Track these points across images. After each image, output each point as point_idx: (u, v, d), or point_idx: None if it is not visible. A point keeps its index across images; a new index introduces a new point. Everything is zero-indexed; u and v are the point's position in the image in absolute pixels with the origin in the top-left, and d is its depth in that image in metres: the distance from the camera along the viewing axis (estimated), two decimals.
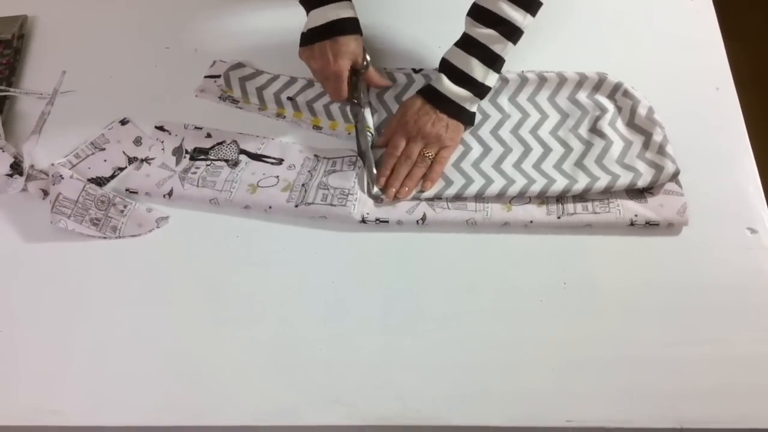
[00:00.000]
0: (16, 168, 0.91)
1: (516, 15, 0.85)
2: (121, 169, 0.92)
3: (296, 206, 0.87)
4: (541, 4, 0.86)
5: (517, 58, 0.99)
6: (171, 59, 1.03)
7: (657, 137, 0.88)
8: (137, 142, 0.95)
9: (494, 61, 0.87)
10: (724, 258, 0.83)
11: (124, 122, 0.97)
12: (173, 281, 0.85)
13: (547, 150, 0.91)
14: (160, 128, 0.96)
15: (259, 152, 0.93)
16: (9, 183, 0.90)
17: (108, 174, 0.92)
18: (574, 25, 1.03)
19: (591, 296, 0.82)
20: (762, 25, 2.06)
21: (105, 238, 0.87)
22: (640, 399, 0.76)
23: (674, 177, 0.86)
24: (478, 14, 0.86)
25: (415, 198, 0.88)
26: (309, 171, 0.90)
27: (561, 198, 0.87)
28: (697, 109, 0.94)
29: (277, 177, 0.90)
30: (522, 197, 0.87)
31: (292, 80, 0.99)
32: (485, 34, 0.86)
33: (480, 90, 0.89)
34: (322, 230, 0.88)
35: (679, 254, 0.84)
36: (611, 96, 0.94)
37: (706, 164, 0.89)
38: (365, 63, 0.94)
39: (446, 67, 0.89)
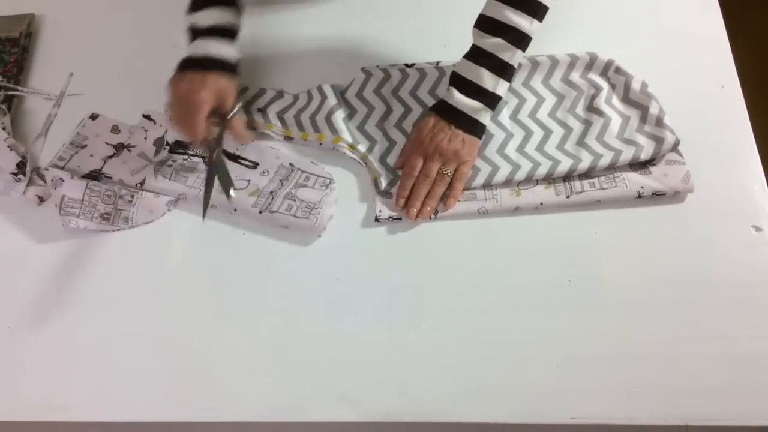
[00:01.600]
0: (21, 168, 0.91)
1: (522, 22, 0.84)
2: (110, 157, 0.93)
3: (260, 212, 0.87)
4: (547, 8, 0.86)
5: None
6: (178, 57, 1.03)
7: (653, 110, 0.90)
8: (115, 130, 0.96)
9: (503, 70, 0.86)
10: (728, 255, 0.83)
11: (93, 117, 0.97)
12: (179, 277, 0.86)
13: (547, 132, 0.91)
14: (147, 117, 0.96)
15: (236, 153, 0.93)
16: (12, 186, 0.91)
17: (100, 166, 0.92)
18: (579, 22, 1.03)
19: (595, 293, 0.82)
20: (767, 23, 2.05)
21: (119, 230, 0.88)
22: (645, 396, 0.76)
23: (675, 147, 0.87)
24: (485, 24, 0.86)
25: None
26: (281, 180, 0.90)
27: (567, 177, 0.88)
28: (702, 106, 0.94)
29: (248, 181, 0.90)
30: (529, 181, 0.88)
31: (261, 91, 0.99)
32: (492, 43, 0.85)
33: (491, 100, 0.88)
34: (330, 225, 0.88)
35: (685, 251, 0.84)
36: (604, 74, 0.95)
37: (711, 162, 0.89)
38: (233, 110, 0.89)
39: (456, 79, 0.88)
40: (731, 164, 0.90)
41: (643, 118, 0.90)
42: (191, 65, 0.88)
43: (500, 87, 0.87)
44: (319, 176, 0.91)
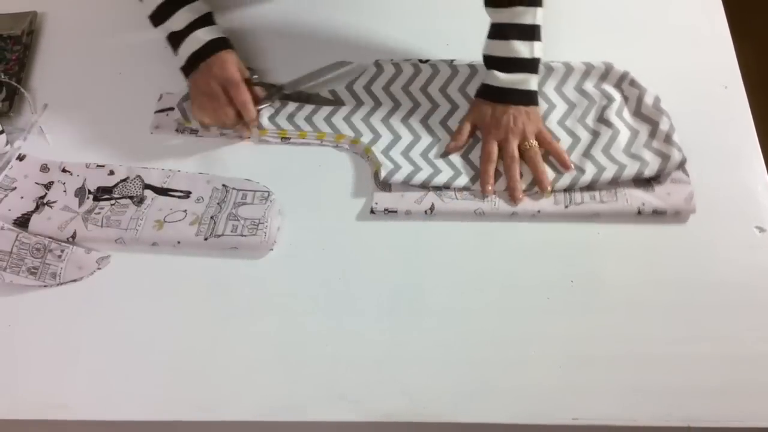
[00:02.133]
0: None
1: None
2: (42, 198, 0.90)
3: (206, 239, 0.85)
4: None
5: None
6: (174, 58, 1.03)
7: (663, 126, 0.89)
8: (44, 169, 0.93)
9: (532, 33, 0.87)
10: (731, 256, 0.83)
11: (21, 158, 0.94)
12: (179, 276, 0.85)
13: (554, 140, 0.90)
14: (63, 170, 0.93)
15: (165, 186, 0.90)
16: None
17: (32, 208, 0.89)
18: (583, 22, 1.03)
19: (598, 294, 0.82)
20: None
21: (45, 286, 0.85)
22: (647, 397, 0.75)
23: (681, 165, 0.86)
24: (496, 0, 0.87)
25: (423, 186, 0.88)
26: (218, 203, 0.88)
27: (569, 188, 0.87)
28: (705, 107, 0.94)
29: (185, 211, 0.88)
30: (530, 188, 0.87)
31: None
32: (510, 12, 0.86)
33: (532, 65, 0.88)
34: (330, 223, 0.88)
35: (687, 252, 0.83)
36: (618, 85, 0.94)
37: (714, 162, 0.89)
38: (254, 77, 0.95)
39: (492, 61, 0.89)
40: (734, 165, 0.89)
41: (653, 134, 0.89)
42: (199, 58, 0.89)
43: (536, 49, 0.88)
44: (256, 191, 0.89)
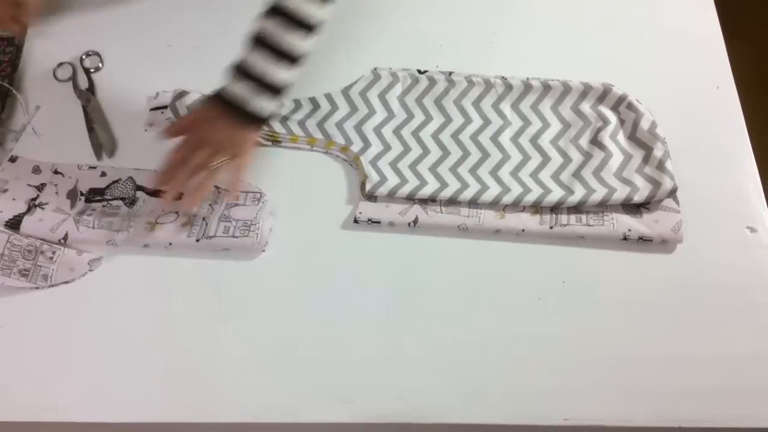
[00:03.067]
0: None
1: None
2: (33, 199, 0.89)
3: (197, 240, 0.85)
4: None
5: (517, 56, 0.99)
6: (172, 57, 1.03)
7: (657, 152, 0.88)
8: (36, 171, 0.92)
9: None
10: (723, 257, 0.83)
11: (12, 159, 0.93)
12: (171, 276, 0.85)
13: (546, 159, 0.90)
14: (55, 171, 0.92)
15: (156, 188, 0.90)
16: None
17: (24, 210, 0.89)
18: (575, 22, 1.03)
19: (590, 295, 0.82)
20: (765, 25, 2.05)
21: (37, 288, 0.85)
22: (639, 397, 0.76)
23: (672, 194, 0.85)
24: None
25: (409, 198, 0.88)
26: (210, 204, 0.88)
27: (555, 208, 0.87)
28: (697, 107, 0.94)
29: (177, 213, 0.88)
30: (516, 206, 0.87)
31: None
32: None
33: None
34: (322, 226, 0.88)
35: (679, 252, 0.84)
36: (615, 108, 0.93)
37: (706, 163, 0.89)
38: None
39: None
40: (726, 165, 0.90)
41: (646, 159, 0.88)
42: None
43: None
44: (248, 192, 0.89)
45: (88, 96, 0.99)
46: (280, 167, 0.91)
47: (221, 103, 0.83)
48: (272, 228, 0.87)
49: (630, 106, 0.92)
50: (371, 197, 0.88)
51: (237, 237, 0.85)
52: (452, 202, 0.88)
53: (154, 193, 0.90)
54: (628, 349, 0.78)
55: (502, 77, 0.95)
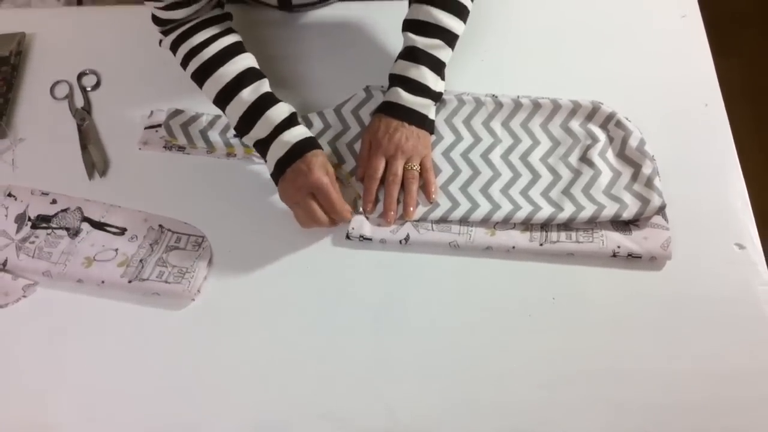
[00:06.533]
0: None
1: (454, 23, 0.89)
2: None
3: (130, 282, 0.85)
4: (468, 11, 0.91)
5: (507, 73, 1.00)
6: (168, 76, 1.04)
7: (646, 170, 0.88)
8: None
9: (440, 68, 0.91)
10: (712, 272, 0.84)
11: None
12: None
13: (536, 177, 0.91)
14: (8, 194, 0.93)
15: (102, 220, 0.90)
16: None
17: None
18: (565, 41, 1.04)
19: (580, 311, 0.82)
20: (754, 41, 2.07)
21: None
22: (629, 413, 0.76)
23: (660, 210, 0.86)
24: (418, 27, 0.90)
25: (400, 217, 0.88)
26: (150, 244, 0.88)
27: (545, 225, 0.87)
28: (686, 124, 0.94)
29: (116, 250, 0.88)
30: (507, 223, 0.87)
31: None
32: (431, 43, 0.89)
33: (433, 96, 0.91)
34: (313, 242, 0.88)
35: (668, 268, 0.84)
36: (604, 126, 0.94)
37: (695, 179, 0.90)
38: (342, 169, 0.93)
39: (399, 80, 0.90)
40: (714, 182, 0.90)
41: (634, 176, 0.89)
42: (285, 164, 0.86)
43: (439, 84, 0.92)
44: (190, 235, 0.89)
45: (83, 115, 1.00)
46: (272, 185, 0.92)
47: (398, 113, 0.90)
48: (206, 276, 0.87)
49: (619, 124, 0.93)
50: (367, 216, 0.89)
51: (169, 283, 0.85)
52: (443, 220, 0.88)
53: (99, 226, 0.90)
54: (618, 365, 0.79)
55: (493, 95, 0.96)
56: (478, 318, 0.82)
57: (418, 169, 0.89)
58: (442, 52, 0.90)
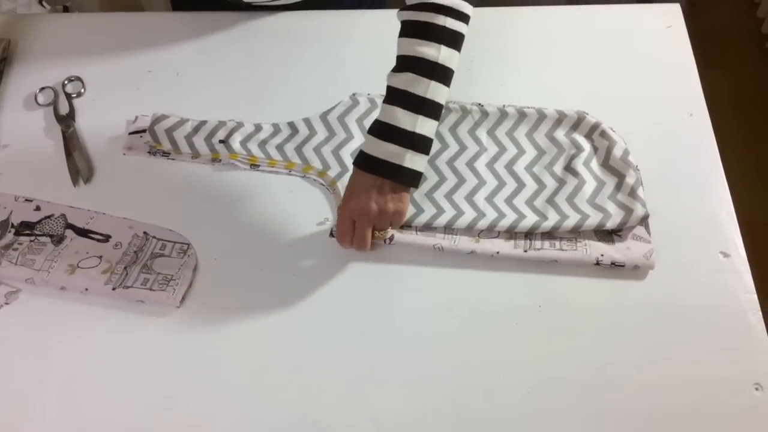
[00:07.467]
0: None
1: (428, 50, 0.80)
2: None
3: (114, 289, 0.84)
4: (456, 33, 0.81)
5: (494, 83, 1.01)
6: (152, 83, 1.04)
7: (630, 179, 0.89)
8: None
9: (419, 106, 0.80)
10: (697, 281, 0.84)
11: None
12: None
13: (520, 185, 0.91)
14: None
15: (86, 227, 0.90)
16: None
17: None
18: (550, 51, 1.05)
19: (566, 319, 0.82)
20: (739, 52, 2.09)
21: None
22: (614, 420, 0.76)
23: (643, 221, 0.86)
24: (397, 64, 0.82)
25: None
26: (135, 251, 0.87)
27: (529, 234, 0.87)
28: (671, 134, 0.95)
29: (100, 257, 0.87)
30: (491, 230, 0.87)
31: (221, 124, 0.97)
32: (402, 79, 0.80)
33: (413, 141, 0.80)
34: (298, 249, 0.88)
35: (653, 276, 0.84)
36: (588, 135, 0.94)
37: (680, 188, 0.90)
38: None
39: (372, 126, 0.82)
40: (699, 191, 0.91)
41: (618, 186, 0.89)
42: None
43: (421, 125, 0.80)
44: (176, 242, 0.89)
45: (68, 122, 0.99)
46: (257, 191, 0.92)
47: (368, 164, 0.81)
48: (192, 283, 0.86)
49: (603, 134, 0.93)
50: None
51: (154, 290, 0.84)
52: (427, 227, 0.88)
53: (83, 233, 0.89)
54: (605, 373, 0.79)
55: (479, 104, 0.97)
56: (465, 326, 0.82)
57: (388, 234, 0.86)
58: (419, 87, 0.79)
